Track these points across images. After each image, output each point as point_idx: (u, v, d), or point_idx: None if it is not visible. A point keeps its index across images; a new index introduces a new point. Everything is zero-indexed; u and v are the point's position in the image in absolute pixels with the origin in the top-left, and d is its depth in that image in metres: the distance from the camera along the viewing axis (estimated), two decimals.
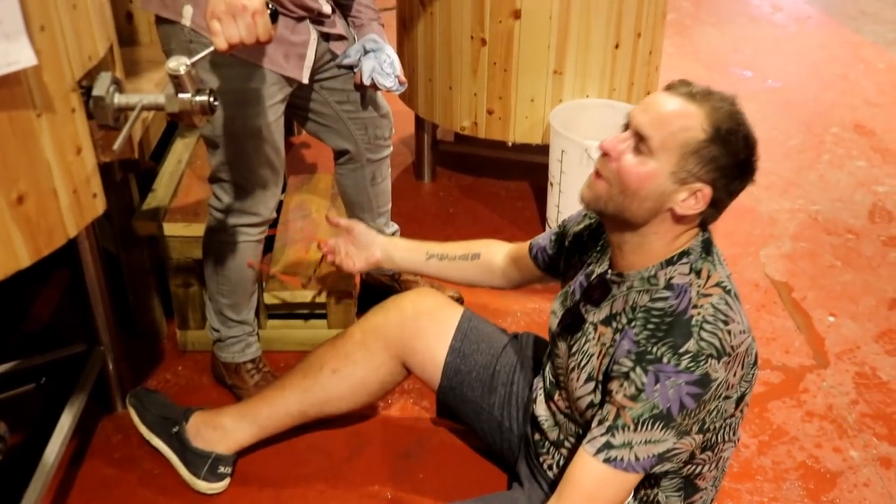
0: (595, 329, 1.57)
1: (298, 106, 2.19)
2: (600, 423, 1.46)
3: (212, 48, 1.47)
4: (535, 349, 1.96)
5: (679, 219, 1.45)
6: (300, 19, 1.96)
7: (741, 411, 1.53)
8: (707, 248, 1.50)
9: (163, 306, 2.49)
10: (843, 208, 3.33)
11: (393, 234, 2.56)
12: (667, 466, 1.46)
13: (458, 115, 3.01)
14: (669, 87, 1.46)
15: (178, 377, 2.37)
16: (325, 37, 2.07)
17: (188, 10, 1.81)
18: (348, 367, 1.96)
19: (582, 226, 1.77)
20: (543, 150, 2.89)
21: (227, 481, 2.01)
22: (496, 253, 2.01)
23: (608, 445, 1.43)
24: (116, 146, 1.42)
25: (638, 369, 1.42)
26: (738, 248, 3.05)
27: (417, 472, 2.10)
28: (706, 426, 1.46)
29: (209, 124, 1.93)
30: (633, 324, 1.47)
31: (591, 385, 1.55)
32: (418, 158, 3.42)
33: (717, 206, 1.45)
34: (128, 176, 2.28)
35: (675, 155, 1.40)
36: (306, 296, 2.37)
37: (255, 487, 2.04)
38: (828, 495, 2.06)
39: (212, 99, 1.46)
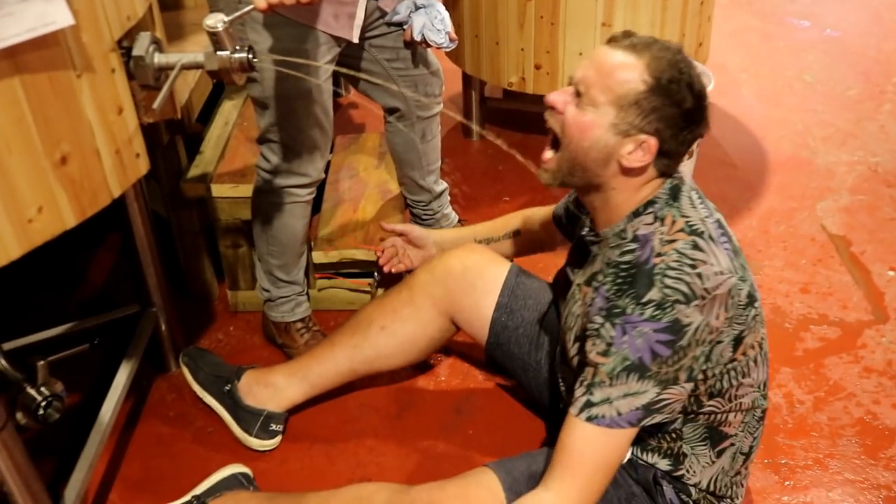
0: (580, 290, 1.57)
1: (348, 65, 2.17)
2: (580, 383, 1.45)
3: (251, 7, 1.47)
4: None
5: (627, 171, 1.44)
6: None
7: (746, 354, 1.49)
8: (674, 193, 1.47)
9: (213, 268, 2.52)
10: None
11: (442, 191, 2.55)
12: (659, 418, 1.43)
13: (505, 70, 2.96)
14: (611, 40, 1.45)
15: (229, 337, 2.40)
16: None
17: None
18: (396, 324, 1.97)
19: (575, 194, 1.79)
20: None
21: (279, 438, 2.04)
22: (534, 224, 2.05)
23: (588, 404, 1.41)
24: (157, 105, 1.43)
25: (606, 324, 1.41)
26: (794, 201, 2.98)
27: (467, 427, 2.10)
28: (695, 373, 1.42)
29: (259, 85, 1.93)
30: (605, 280, 1.47)
31: (578, 346, 1.55)
32: (466, 115, 3.39)
33: (669, 156, 1.43)
34: (175, 138, 2.30)
35: (613, 107, 1.39)
36: (356, 255, 2.37)
37: (306, 444, 2.06)
38: (886, 452, 2.02)
39: (251, 56, 1.45)
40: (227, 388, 2.07)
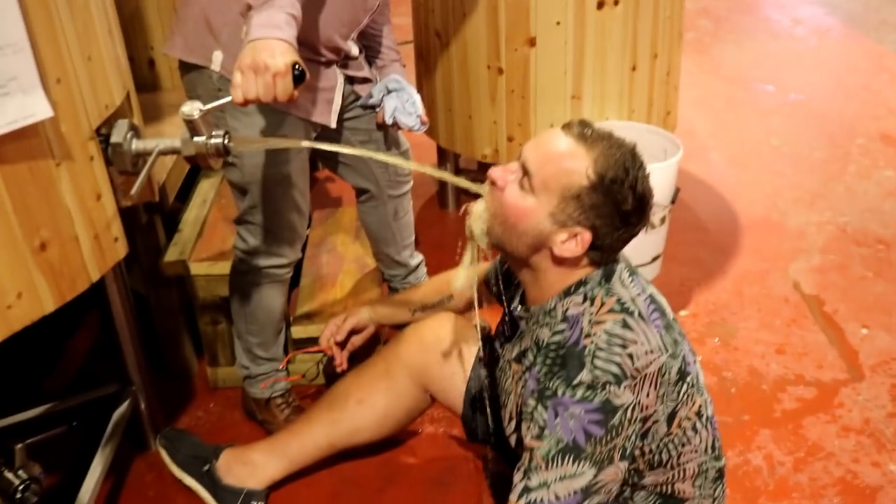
0: (509, 366, 1.57)
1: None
2: (518, 469, 1.43)
3: (228, 98, 1.51)
4: None
5: (558, 260, 1.44)
6: (328, 64, 1.99)
7: (682, 426, 1.47)
8: (607, 274, 1.47)
9: (193, 345, 2.53)
10: (872, 219, 3.29)
11: (418, 265, 2.58)
12: (596, 500, 1.39)
13: (478, 143, 3.02)
14: (566, 126, 1.44)
15: (209, 414, 2.40)
16: (350, 80, 2.10)
17: (218, 56, 1.85)
18: (373, 397, 1.97)
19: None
20: None
21: None
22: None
23: (526, 490, 1.39)
24: (134, 191, 1.45)
25: (539, 407, 1.39)
26: (767, 263, 3.03)
27: (451, 500, 2.10)
28: (629, 452, 1.40)
29: (237, 170, 1.97)
30: (535, 360, 1.45)
31: (513, 424, 1.55)
32: (442, 188, 3.44)
33: (602, 250, 1.44)
34: (153, 218, 2.32)
35: (555, 196, 1.39)
36: None
37: None
38: None
39: (226, 140, 1.49)
40: (205, 468, 2.06)
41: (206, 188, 2.72)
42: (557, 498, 1.36)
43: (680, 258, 3.05)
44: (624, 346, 1.37)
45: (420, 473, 2.18)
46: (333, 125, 2.05)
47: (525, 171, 1.42)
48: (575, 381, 1.36)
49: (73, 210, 1.40)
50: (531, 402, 1.41)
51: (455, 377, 1.93)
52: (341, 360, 2.08)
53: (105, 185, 1.50)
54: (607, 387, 1.34)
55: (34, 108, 1.26)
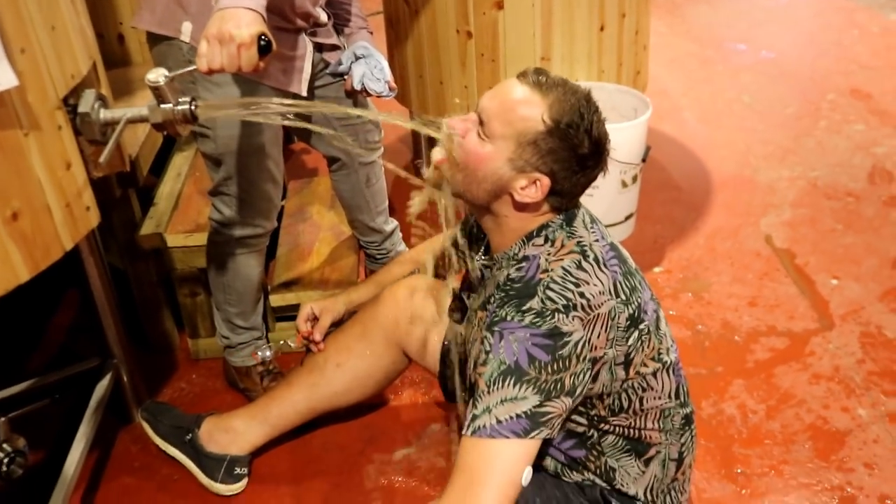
0: (475, 315, 1.58)
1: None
2: (469, 402, 1.42)
3: (194, 67, 1.51)
4: None
5: (519, 206, 1.46)
6: (297, 31, 2.00)
7: (641, 371, 1.48)
8: (570, 219, 1.49)
9: (173, 317, 2.54)
10: (842, 172, 3.33)
11: (393, 230, 2.60)
12: (546, 432, 1.35)
13: (450, 108, 3.04)
14: (521, 74, 1.45)
15: (192, 385, 2.42)
16: (319, 47, 2.11)
17: (187, 27, 1.85)
18: (351, 361, 2.00)
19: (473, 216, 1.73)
20: None
21: (244, 482, 2.06)
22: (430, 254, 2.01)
23: (473, 418, 1.36)
24: (103, 159, 1.46)
25: (486, 333, 1.40)
26: (739, 218, 3.07)
27: (433, 459, 2.13)
28: (578, 392, 1.38)
29: (211, 142, 1.98)
30: (494, 300, 1.46)
31: None
32: (416, 155, 3.46)
33: (561, 195, 1.45)
34: (127, 192, 2.33)
35: (512, 142, 1.40)
36: (312, 297, 2.41)
37: (272, 485, 2.08)
38: (837, 454, 2.08)
39: (193, 107, 1.50)
40: (188, 437, 2.09)
41: (180, 162, 2.73)
42: (499, 422, 1.33)
43: (653, 216, 3.08)
44: (577, 285, 1.39)
45: (400, 434, 2.21)
46: (304, 93, 2.06)
47: (481, 121, 1.43)
48: (524, 307, 1.37)
49: (44, 179, 1.41)
50: (483, 333, 1.42)
51: (430, 336, 1.95)
52: (320, 348, 2.05)
53: (74, 154, 1.51)
54: (556, 315, 1.35)
55: None
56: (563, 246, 1.45)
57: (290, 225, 2.70)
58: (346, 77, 2.19)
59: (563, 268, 1.41)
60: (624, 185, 2.79)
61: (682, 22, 5.04)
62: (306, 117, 2.23)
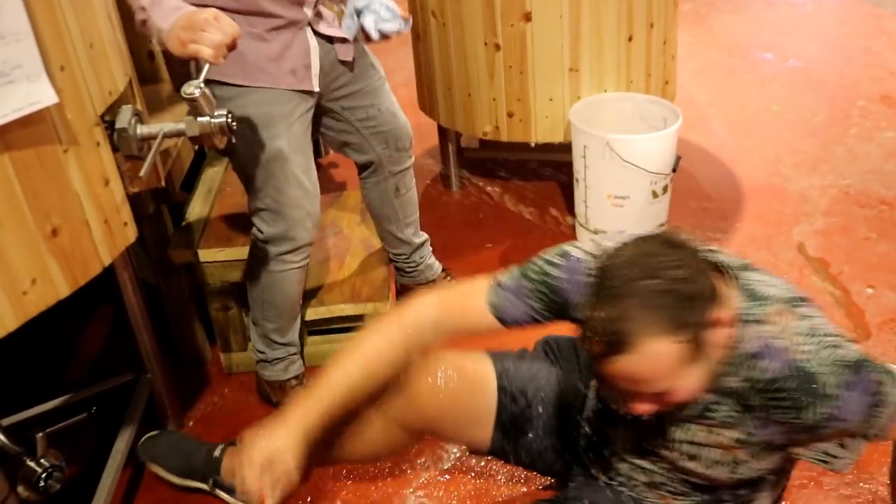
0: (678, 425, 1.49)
1: (323, 125, 2.24)
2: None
3: (208, 65, 1.54)
4: (567, 350, 1.85)
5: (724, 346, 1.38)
6: (295, 25, 1.97)
7: None
8: (750, 294, 1.41)
9: (205, 331, 2.55)
10: (874, 180, 3.30)
11: (422, 243, 2.60)
12: None
13: (479, 120, 3.04)
14: (598, 356, 1.29)
15: (224, 399, 2.43)
16: (329, 39, 2.07)
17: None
18: (366, 449, 1.79)
19: None
20: (567, 147, 2.91)
21: None
22: (426, 338, 1.59)
23: None
24: (143, 173, 1.48)
25: (825, 412, 1.34)
26: (771, 228, 3.04)
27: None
28: None
29: (235, 157, 1.99)
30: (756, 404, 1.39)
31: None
32: (444, 167, 3.46)
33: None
34: (160, 207, 2.34)
35: (690, 368, 1.31)
36: (344, 310, 2.41)
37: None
38: (878, 467, 2.05)
39: (229, 118, 1.51)
40: (210, 483, 2.04)
41: (211, 176, 2.74)
42: None
43: (684, 226, 3.06)
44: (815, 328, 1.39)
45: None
46: (317, 88, 2.05)
47: (647, 395, 1.34)
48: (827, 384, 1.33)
49: (83, 195, 1.43)
50: (825, 428, 1.37)
51: (475, 435, 1.75)
52: None
53: (112, 170, 1.52)
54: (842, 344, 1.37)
55: (39, 95, 1.28)
56: (777, 314, 1.39)
57: (320, 238, 2.70)
58: (357, 38, 2.13)
59: (793, 330, 1.36)
60: (654, 195, 2.77)
61: (708, 32, 5.02)
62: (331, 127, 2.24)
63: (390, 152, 2.34)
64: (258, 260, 2.16)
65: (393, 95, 2.32)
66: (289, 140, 2.01)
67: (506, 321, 1.52)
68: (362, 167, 2.40)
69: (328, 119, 2.23)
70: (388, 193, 2.43)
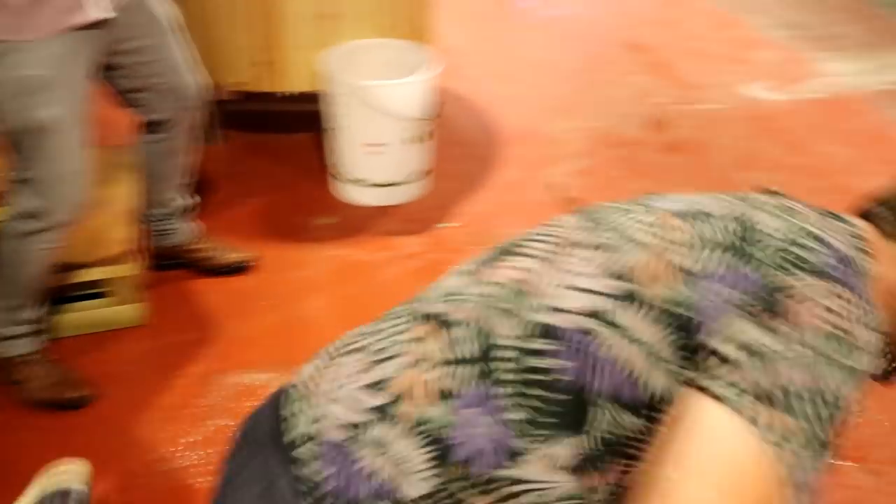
0: None
1: (110, 79, 2.08)
2: None
3: None
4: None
5: None
6: None
7: None
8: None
9: None
10: (623, 122, 3.46)
11: (189, 206, 2.49)
12: None
13: (226, 71, 2.91)
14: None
15: None
16: None
17: None
18: None
19: None
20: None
21: None
22: None
23: None
24: None
25: None
26: (523, 171, 3.13)
27: None
28: None
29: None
30: None
31: None
32: (210, 123, 3.31)
33: None
34: None
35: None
36: (90, 274, 2.27)
37: None
38: None
39: None
40: None
41: None
42: None
43: (448, 173, 3.09)
44: None
45: None
46: (112, 14, 1.87)
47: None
48: None
49: None
50: None
51: None
52: None
53: None
54: None
55: None
56: None
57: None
58: None
59: None
60: (416, 141, 2.77)
61: None
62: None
63: (174, 110, 2.20)
64: (8, 234, 1.97)
65: (182, 50, 2.17)
66: (64, 108, 1.83)
67: None
68: (143, 124, 2.25)
69: (107, 71, 2.05)
70: (166, 153, 2.30)
